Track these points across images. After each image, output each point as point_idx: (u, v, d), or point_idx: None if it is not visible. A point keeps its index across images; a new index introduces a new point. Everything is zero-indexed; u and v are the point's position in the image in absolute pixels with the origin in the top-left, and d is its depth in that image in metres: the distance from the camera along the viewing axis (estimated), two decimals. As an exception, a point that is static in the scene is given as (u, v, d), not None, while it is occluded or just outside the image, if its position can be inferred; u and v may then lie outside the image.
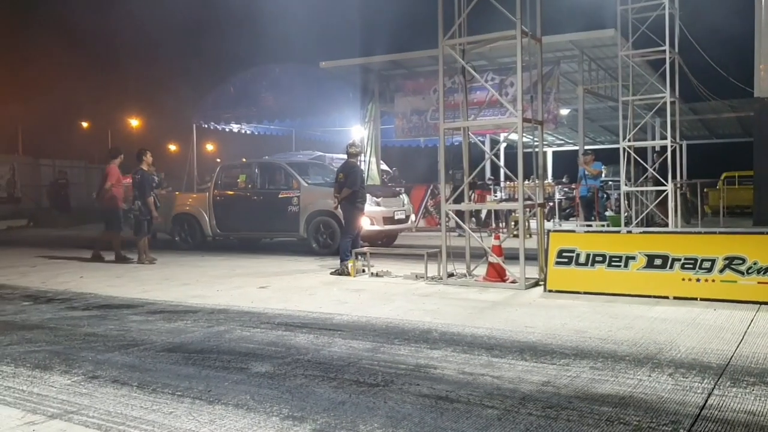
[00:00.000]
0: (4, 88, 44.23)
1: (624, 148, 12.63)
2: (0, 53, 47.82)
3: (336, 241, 11.58)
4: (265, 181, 13.21)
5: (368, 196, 12.24)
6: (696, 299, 6.58)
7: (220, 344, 5.37)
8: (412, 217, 13.57)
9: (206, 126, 19.24)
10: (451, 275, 8.57)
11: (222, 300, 7.52)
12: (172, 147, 51.12)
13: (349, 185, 9.73)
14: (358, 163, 10.11)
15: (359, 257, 9.62)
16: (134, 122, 48.47)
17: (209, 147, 50.73)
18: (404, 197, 13.71)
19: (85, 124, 49.55)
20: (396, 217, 12.65)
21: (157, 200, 11.70)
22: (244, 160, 14.37)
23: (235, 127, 20.18)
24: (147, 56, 66.26)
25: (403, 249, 11.75)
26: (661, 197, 12.94)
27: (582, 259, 7.28)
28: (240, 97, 18.41)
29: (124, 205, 12.25)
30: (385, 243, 12.97)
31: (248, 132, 20.94)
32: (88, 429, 3.54)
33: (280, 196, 12.65)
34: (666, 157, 12.43)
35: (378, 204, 12.39)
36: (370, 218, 12.00)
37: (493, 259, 8.18)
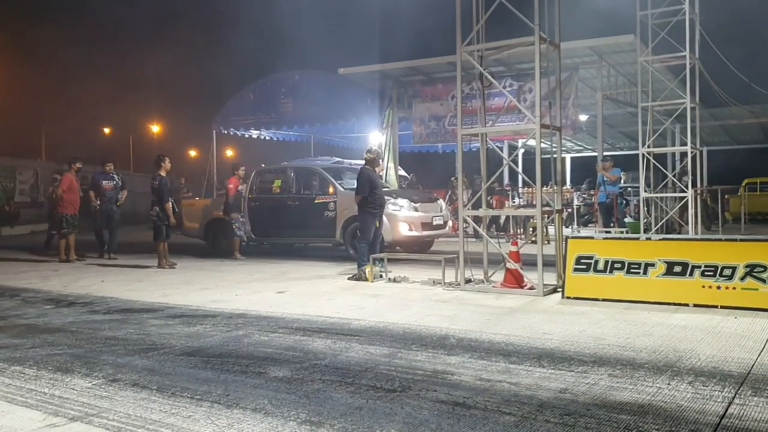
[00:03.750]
0: (28, 94, 44.94)
1: (643, 154, 12.54)
2: (24, 60, 48.62)
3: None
4: (300, 186, 13.19)
5: (407, 201, 12.20)
6: (716, 307, 6.50)
7: (239, 349, 5.41)
8: (450, 222, 13.44)
9: (226, 132, 19.37)
10: (468, 281, 8.55)
11: (241, 304, 7.58)
12: (192, 153, 51.65)
13: (357, 191, 9.80)
14: (375, 169, 10.10)
15: (377, 263, 9.64)
16: (155, 128, 49.04)
17: (229, 153, 51.12)
18: (441, 203, 13.58)
19: (107, 130, 50.23)
20: (434, 223, 12.54)
21: (175, 206, 11.80)
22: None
23: (254, 133, 20.30)
24: (168, 63, 66.97)
25: (420, 254, 11.74)
26: (681, 203, 12.83)
27: (600, 266, 7.23)
28: (259, 103, 18.50)
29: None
30: (421, 249, 12.85)
31: (267, 138, 21.05)
32: None
33: (316, 201, 12.61)
34: (686, 164, 12.33)
35: (416, 209, 12.27)
36: (408, 224, 11.93)
37: (511, 265, 8.16)
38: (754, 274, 6.44)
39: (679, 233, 13.71)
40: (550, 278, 8.13)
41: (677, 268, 6.79)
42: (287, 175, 13.46)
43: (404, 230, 11.89)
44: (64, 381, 4.55)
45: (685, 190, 12.24)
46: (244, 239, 13.15)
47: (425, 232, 12.34)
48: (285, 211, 12.98)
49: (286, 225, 12.98)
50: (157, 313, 7.15)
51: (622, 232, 13.01)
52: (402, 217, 11.94)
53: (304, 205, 12.77)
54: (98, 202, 13.43)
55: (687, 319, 6.20)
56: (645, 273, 6.95)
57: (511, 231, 17.06)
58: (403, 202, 12.22)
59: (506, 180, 22.10)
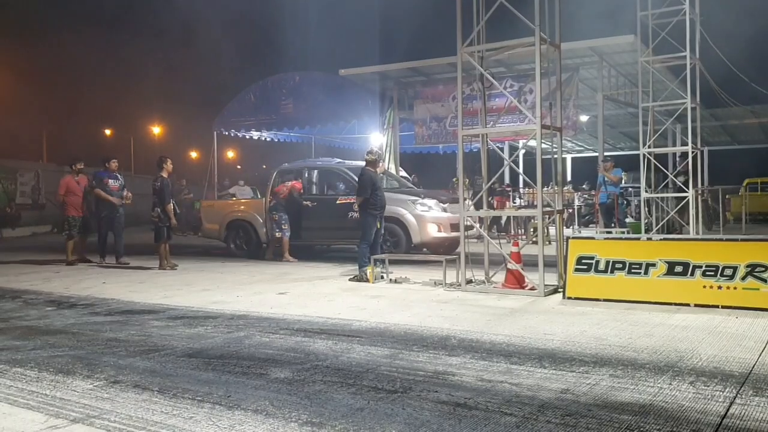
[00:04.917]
0: (29, 96, 45.00)
1: (644, 155, 12.54)
2: (25, 63, 48.68)
3: (401, 248, 11.41)
4: (323, 186, 13.05)
5: (435, 202, 12.01)
6: (717, 307, 6.50)
7: (240, 350, 5.41)
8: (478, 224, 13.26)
9: (227, 133, 19.37)
10: (469, 282, 8.55)
11: (242, 306, 7.58)
12: (193, 154, 51.72)
13: (358, 193, 9.80)
14: (376, 170, 10.09)
15: (378, 264, 9.64)
16: (156, 129, 49.10)
17: (230, 154, 51.19)
18: (469, 203, 13.38)
19: (108, 132, 50.31)
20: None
21: (176, 207, 11.80)
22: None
23: (255, 135, 20.30)
24: (169, 64, 67.09)
25: (421, 255, 11.73)
26: (681, 204, 12.83)
27: (601, 266, 7.23)
28: (260, 105, 18.49)
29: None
30: (447, 250, 12.61)
31: (268, 139, 21.07)
32: (110, 433, 3.59)
33: (338, 201, 12.46)
34: (687, 164, 12.34)
35: (445, 210, 11.99)
36: (437, 225, 11.68)
37: (512, 265, 8.16)
38: (755, 273, 6.43)
39: (680, 233, 13.70)
40: (551, 279, 8.13)
41: (678, 268, 6.79)
42: (309, 175, 13.23)
43: (433, 231, 11.61)
44: (66, 383, 4.55)
45: (686, 189, 12.24)
46: (287, 235, 12.59)
47: (454, 234, 11.86)
48: (307, 211, 12.69)
49: (308, 226, 12.71)
50: (158, 315, 7.16)
51: (623, 233, 13.00)
52: (430, 218, 11.64)
53: (327, 206, 12.55)
54: (122, 202, 12.56)
55: (688, 319, 6.20)
56: (646, 273, 6.95)
57: (512, 231, 17.06)
58: (431, 202, 11.89)
59: (506, 180, 22.10)
